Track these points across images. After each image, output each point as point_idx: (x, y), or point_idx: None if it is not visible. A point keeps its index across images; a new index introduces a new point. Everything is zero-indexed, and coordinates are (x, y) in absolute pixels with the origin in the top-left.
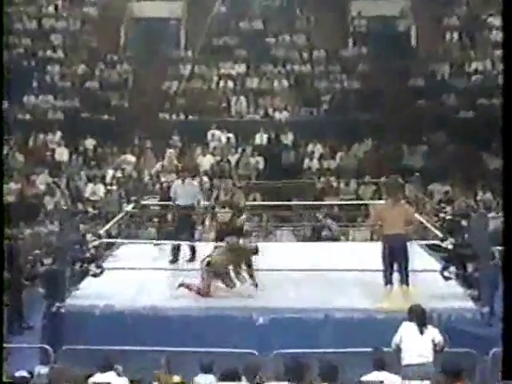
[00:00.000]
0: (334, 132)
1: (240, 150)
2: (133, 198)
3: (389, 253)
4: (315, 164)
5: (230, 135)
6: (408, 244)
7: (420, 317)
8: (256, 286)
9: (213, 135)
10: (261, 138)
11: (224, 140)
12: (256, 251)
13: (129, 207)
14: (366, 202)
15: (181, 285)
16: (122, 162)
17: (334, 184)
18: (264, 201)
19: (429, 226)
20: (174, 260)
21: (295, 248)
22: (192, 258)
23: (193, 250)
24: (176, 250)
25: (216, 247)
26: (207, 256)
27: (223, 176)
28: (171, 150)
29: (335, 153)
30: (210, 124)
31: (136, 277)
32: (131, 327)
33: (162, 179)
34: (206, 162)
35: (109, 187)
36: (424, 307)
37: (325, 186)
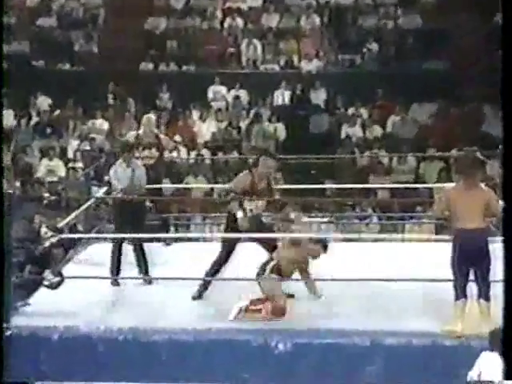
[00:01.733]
0: (385, 88)
1: (253, 112)
2: (106, 179)
3: (463, 256)
4: (357, 132)
5: (240, 93)
6: (490, 244)
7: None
8: (319, 297)
9: (216, 93)
10: (282, 97)
11: (231, 99)
12: (325, 248)
13: (100, 192)
14: (430, 185)
15: (239, 311)
16: (90, 130)
17: (384, 160)
18: (286, 183)
19: None
20: (145, 271)
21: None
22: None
23: (143, 257)
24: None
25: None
26: (268, 260)
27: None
28: (149, 115)
29: (386, 117)
30: (211, 77)
31: (109, 288)
32: (102, 356)
33: (137, 154)
34: (206, 129)
35: (72, 164)
36: None
37: (371, 162)
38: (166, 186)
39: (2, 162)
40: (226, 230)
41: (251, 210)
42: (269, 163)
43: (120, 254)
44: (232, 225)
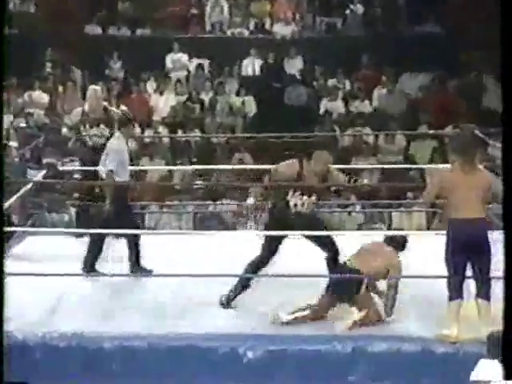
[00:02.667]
0: (370, 56)
1: (218, 84)
2: (45, 162)
3: (458, 249)
4: (339, 107)
5: (203, 61)
6: (490, 235)
7: None
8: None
9: (175, 62)
10: (252, 67)
11: (193, 69)
12: (404, 244)
13: (39, 176)
14: (421, 165)
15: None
16: (26, 104)
17: (369, 139)
18: (257, 165)
19: None
20: (90, 266)
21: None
22: (134, 265)
23: (135, 250)
24: (97, 251)
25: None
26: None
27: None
28: (95, 87)
29: (371, 89)
30: (169, 43)
31: (49, 286)
32: (43, 365)
33: (84, 133)
34: (163, 104)
35: (6, 142)
36: None
37: (354, 141)
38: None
39: (2, 162)
40: (269, 224)
41: (295, 205)
42: (324, 157)
43: (101, 247)
44: (279, 217)
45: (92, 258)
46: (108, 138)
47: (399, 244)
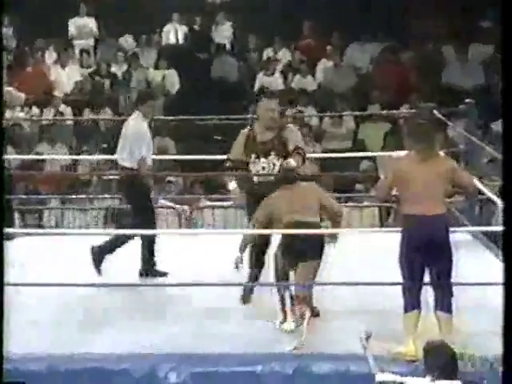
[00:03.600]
0: (312, 21)
1: (132, 54)
2: None
3: (414, 251)
4: (277, 83)
5: (115, 28)
6: (451, 235)
7: (447, 369)
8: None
9: (80, 28)
10: (174, 34)
11: (95, 30)
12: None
13: None
14: (373, 152)
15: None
16: None
17: (312, 121)
18: (179, 152)
19: (491, 196)
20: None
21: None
22: (150, 269)
23: (150, 250)
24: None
25: None
26: None
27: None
28: None
29: (314, 62)
30: (74, 5)
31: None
32: None
33: None
34: (66, 78)
35: None
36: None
37: (294, 123)
38: (11, 156)
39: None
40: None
41: (263, 168)
42: (268, 105)
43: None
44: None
45: (149, 259)
46: None
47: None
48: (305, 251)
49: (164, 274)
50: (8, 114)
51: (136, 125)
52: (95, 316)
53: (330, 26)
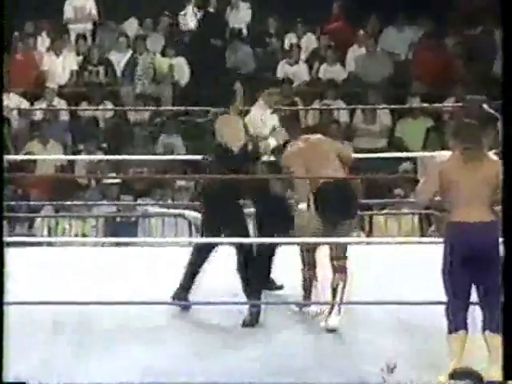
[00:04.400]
0: (343, 3)
1: (136, 39)
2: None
3: (460, 263)
4: (301, 73)
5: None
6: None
7: None
8: None
9: (77, 9)
10: (186, 17)
11: (94, 13)
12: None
13: None
14: (411, 153)
15: None
16: None
17: (342, 116)
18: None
19: None
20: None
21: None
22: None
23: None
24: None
25: None
26: None
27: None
28: None
29: (344, 49)
30: None
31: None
32: None
33: None
34: (61, 67)
35: None
36: None
37: (322, 120)
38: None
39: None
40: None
41: None
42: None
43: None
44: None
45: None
46: None
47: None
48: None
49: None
50: None
51: (262, 115)
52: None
53: (362, 8)
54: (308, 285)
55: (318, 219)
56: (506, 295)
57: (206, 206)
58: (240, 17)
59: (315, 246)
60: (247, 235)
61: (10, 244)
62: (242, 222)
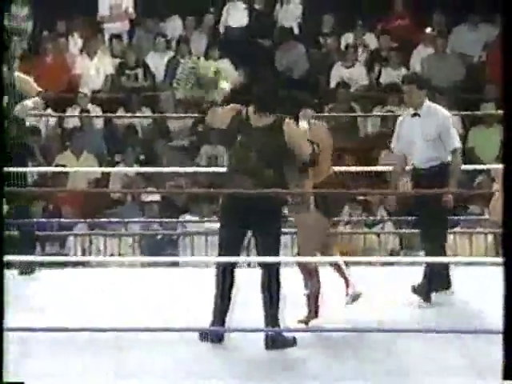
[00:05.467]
0: None
1: (178, 40)
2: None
3: None
4: (359, 76)
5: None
6: None
7: None
8: None
9: (112, 7)
10: (233, 15)
11: (131, 11)
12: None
13: None
14: (486, 166)
15: None
16: None
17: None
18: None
19: None
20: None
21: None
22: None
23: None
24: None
25: None
26: None
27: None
28: None
29: (408, 49)
30: None
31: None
32: None
33: None
34: (95, 71)
35: None
36: None
37: (383, 126)
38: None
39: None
40: None
41: None
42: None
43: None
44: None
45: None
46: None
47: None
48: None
49: None
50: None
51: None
52: None
53: (429, 3)
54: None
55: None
56: (506, 296)
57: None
58: (290, 14)
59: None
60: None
61: (40, 265)
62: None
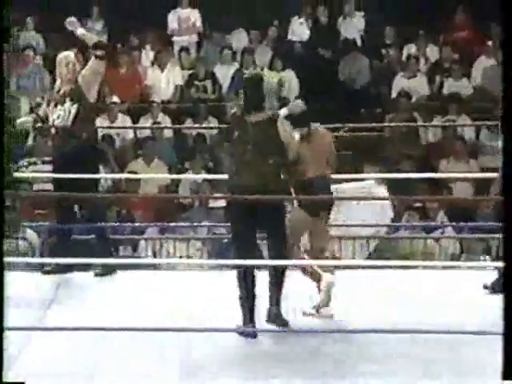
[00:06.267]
0: (468, 8)
1: (244, 52)
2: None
3: None
4: (421, 87)
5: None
6: None
7: None
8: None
9: (182, 21)
10: (296, 28)
11: (198, 25)
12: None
13: None
14: None
15: None
16: None
17: (467, 133)
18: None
19: None
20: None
21: None
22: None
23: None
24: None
25: None
26: None
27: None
28: (66, 53)
29: (471, 60)
30: None
31: None
32: None
33: (55, 116)
34: (165, 82)
35: None
36: None
37: (444, 137)
38: (100, 176)
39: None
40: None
41: None
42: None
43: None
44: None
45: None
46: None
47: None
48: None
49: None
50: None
51: None
52: None
53: (490, 15)
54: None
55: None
56: (506, 296)
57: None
58: (354, 26)
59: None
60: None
61: (115, 267)
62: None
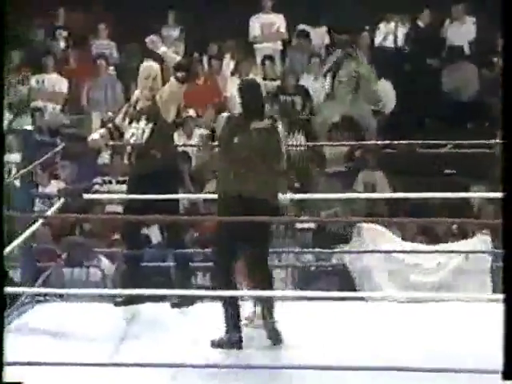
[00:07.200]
0: None
1: (336, 61)
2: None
3: None
4: None
5: (309, 27)
6: None
7: None
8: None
9: (264, 26)
10: (390, 33)
11: (294, 38)
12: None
13: (52, 208)
14: None
15: None
16: (34, 94)
17: None
18: (395, 188)
19: None
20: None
21: None
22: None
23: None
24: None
25: None
26: None
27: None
28: (150, 64)
29: None
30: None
31: None
32: None
33: (129, 135)
34: None
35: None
36: None
37: None
38: (180, 196)
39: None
40: None
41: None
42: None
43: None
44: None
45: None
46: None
47: None
48: None
49: None
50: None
51: None
52: None
53: None
54: None
55: None
56: (506, 296)
57: None
58: (461, 33)
59: None
60: None
61: (192, 299)
62: None
